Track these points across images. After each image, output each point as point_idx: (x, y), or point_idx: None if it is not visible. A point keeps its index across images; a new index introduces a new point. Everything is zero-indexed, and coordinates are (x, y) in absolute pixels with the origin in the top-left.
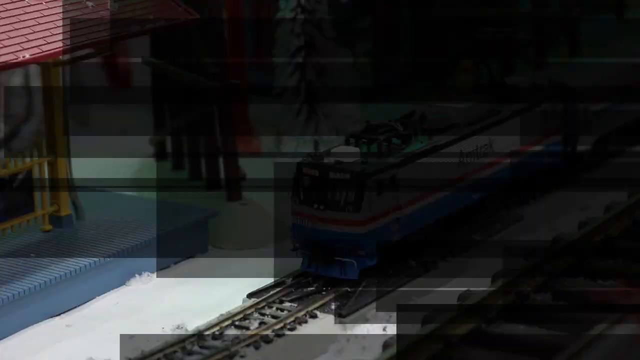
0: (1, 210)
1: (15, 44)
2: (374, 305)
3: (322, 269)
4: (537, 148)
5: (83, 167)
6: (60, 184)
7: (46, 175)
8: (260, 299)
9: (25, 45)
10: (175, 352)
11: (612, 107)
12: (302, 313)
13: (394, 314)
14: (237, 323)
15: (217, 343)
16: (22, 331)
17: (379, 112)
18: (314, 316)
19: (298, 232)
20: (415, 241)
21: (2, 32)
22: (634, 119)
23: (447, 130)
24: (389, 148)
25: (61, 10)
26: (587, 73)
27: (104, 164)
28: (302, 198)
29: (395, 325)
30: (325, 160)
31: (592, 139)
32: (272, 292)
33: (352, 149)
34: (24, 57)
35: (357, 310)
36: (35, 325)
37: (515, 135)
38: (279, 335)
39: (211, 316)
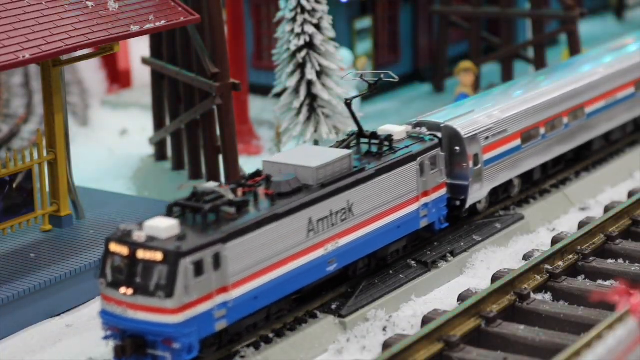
0: (1, 210)
1: (15, 44)
2: (374, 305)
3: None
4: (412, 207)
5: (83, 167)
6: (60, 184)
7: (46, 175)
8: None
9: (25, 45)
10: None
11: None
12: (302, 313)
13: (394, 314)
14: None
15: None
16: (22, 331)
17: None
18: (314, 316)
19: (106, 318)
20: (254, 325)
21: (2, 32)
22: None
23: (295, 194)
24: (217, 219)
25: (61, 10)
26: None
27: (104, 164)
28: (109, 280)
29: (395, 325)
30: (136, 235)
31: (487, 188)
32: None
33: (170, 221)
34: (24, 57)
35: (357, 310)
36: (35, 325)
37: (383, 195)
38: (279, 335)
39: None
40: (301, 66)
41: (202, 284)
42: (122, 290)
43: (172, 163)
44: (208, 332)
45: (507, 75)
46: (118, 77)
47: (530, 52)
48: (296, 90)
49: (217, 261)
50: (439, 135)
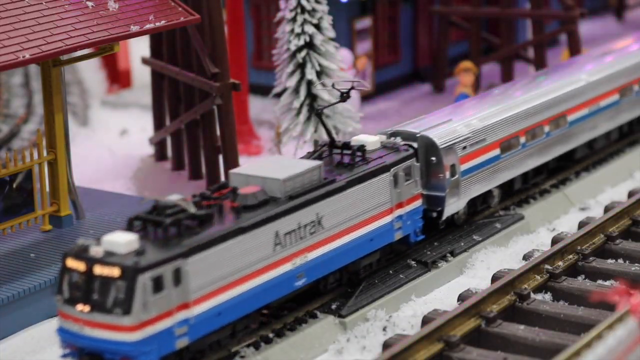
0: (1, 210)
1: (15, 44)
2: (374, 305)
3: None
4: (386, 220)
5: (83, 167)
6: (60, 184)
7: (46, 175)
8: None
9: (25, 45)
10: None
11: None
12: (302, 313)
13: (394, 314)
14: None
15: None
16: (22, 331)
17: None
18: (314, 316)
19: (64, 336)
20: (217, 342)
21: (2, 32)
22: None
23: (261, 207)
24: (179, 233)
25: (61, 10)
26: None
27: (104, 164)
28: (66, 297)
29: (395, 325)
30: (93, 250)
31: (465, 199)
32: None
33: (128, 236)
34: (24, 57)
35: (357, 310)
36: (35, 325)
37: (354, 207)
38: (279, 335)
39: None
40: (301, 66)
41: (162, 300)
42: (79, 307)
43: (172, 163)
44: (168, 350)
45: (507, 75)
46: (118, 77)
47: (530, 52)
48: (296, 90)
49: (177, 277)
50: (415, 145)
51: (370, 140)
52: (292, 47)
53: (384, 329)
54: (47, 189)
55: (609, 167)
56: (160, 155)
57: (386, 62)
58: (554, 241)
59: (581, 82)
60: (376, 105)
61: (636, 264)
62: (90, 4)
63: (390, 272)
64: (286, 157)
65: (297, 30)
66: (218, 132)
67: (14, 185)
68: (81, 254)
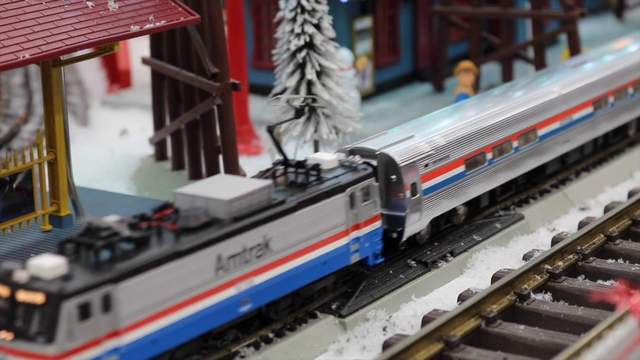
0: (1, 210)
1: (15, 44)
2: (374, 305)
3: None
4: (341, 242)
5: (83, 167)
6: (60, 184)
7: (46, 175)
8: None
9: (25, 45)
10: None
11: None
12: (302, 313)
13: (394, 314)
14: None
15: (217, 343)
16: None
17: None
18: (314, 316)
19: None
20: None
21: (2, 32)
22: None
23: (203, 229)
24: (112, 256)
25: (61, 10)
26: None
27: (104, 164)
28: None
29: (395, 325)
30: (17, 275)
31: (427, 218)
32: None
33: (55, 260)
34: (24, 57)
35: (357, 310)
36: None
37: (306, 229)
38: (279, 335)
39: None
40: (301, 66)
41: (89, 328)
42: (2, 334)
43: (172, 163)
44: None
45: (507, 75)
46: (118, 77)
47: (530, 52)
48: (296, 90)
49: (107, 303)
50: (374, 163)
51: (327, 158)
52: (292, 47)
53: (384, 329)
54: (47, 189)
55: (609, 167)
56: (160, 155)
57: (386, 62)
58: (554, 241)
59: (552, 95)
60: (376, 105)
61: (636, 264)
62: (90, 4)
63: (390, 272)
64: (235, 177)
65: (297, 30)
66: (218, 132)
67: (14, 185)
68: (5, 278)
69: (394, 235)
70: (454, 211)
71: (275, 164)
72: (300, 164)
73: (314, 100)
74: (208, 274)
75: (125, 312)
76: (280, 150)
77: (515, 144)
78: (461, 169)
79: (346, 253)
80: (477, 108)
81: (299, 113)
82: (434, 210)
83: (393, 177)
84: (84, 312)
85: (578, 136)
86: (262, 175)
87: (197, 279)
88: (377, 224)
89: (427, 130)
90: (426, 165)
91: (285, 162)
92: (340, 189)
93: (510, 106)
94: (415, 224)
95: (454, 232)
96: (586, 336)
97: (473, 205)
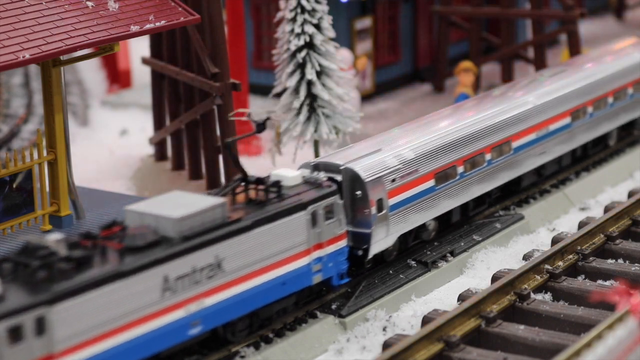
0: (1, 210)
1: (15, 44)
2: (374, 305)
3: None
4: (302, 262)
5: (83, 167)
6: (60, 184)
7: (46, 175)
8: None
9: (25, 45)
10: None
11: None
12: (302, 313)
13: (394, 314)
14: None
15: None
16: None
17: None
18: (314, 316)
19: None
20: None
21: (2, 32)
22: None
23: (149, 248)
24: (50, 277)
25: (61, 10)
26: None
27: (104, 164)
28: None
29: (395, 325)
30: None
31: (394, 235)
32: None
33: None
34: (24, 57)
35: (357, 310)
36: None
37: (263, 249)
38: (279, 335)
39: None
40: (301, 66)
41: (21, 352)
42: None
43: (172, 163)
44: None
45: (507, 76)
46: (118, 77)
47: (530, 52)
48: (296, 90)
49: (40, 326)
50: (339, 178)
51: (290, 175)
52: (292, 47)
53: (384, 329)
54: (47, 189)
55: (609, 167)
56: (160, 155)
57: (386, 62)
58: (554, 241)
59: (528, 105)
60: (376, 105)
61: (636, 264)
62: (90, 4)
63: (390, 272)
64: (191, 195)
65: (297, 30)
66: (218, 132)
67: (14, 185)
68: None
69: (360, 252)
70: (423, 227)
71: (236, 180)
72: (261, 181)
73: (267, 119)
74: (154, 295)
75: (62, 335)
76: (238, 166)
77: (488, 156)
78: (431, 183)
79: (307, 273)
80: (449, 119)
81: (259, 128)
82: (401, 227)
83: (358, 192)
84: (15, 335)
85: (555, 148)
86: (221, 192)
87: (141, 301)
88: (342, 243)
89: (395, 144)
90: (393, 180)
91: (245, 178)
92: (301, 207)
93: (483, 117)
94: (382, 241)
95: (454, 232)
96: (586, 336)
97: (444, 220)
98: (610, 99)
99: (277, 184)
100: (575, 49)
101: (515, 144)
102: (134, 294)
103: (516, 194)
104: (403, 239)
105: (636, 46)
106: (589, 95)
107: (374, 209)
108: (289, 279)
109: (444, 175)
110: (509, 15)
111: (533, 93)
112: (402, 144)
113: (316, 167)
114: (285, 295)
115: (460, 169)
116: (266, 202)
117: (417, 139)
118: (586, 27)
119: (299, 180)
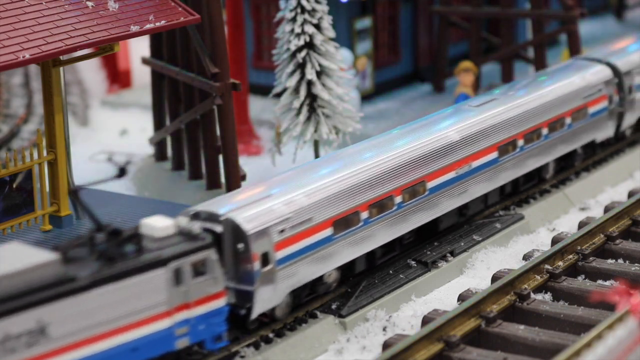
0: (1, 210)
1: (15, 44)
2: (374, 305)
3: None
4: (160, 325)
5: (83, 167)
6: (60, 184)
7: (46, 175)
8: None
9: (25, 45)
10: None
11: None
12: (302, 313)
13: (394, 314)
14: None
15: None
16: None
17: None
18: (314, 316)
19: None
20: None
21: (2, 32)
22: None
23: None
24: None
25: (61, 10)
26: None
27: (104, 164)
28: None
29: (395, 325)
30: None
31: (283, 291)
32: None
33: None
34: (24, 57)
35: (357, 310)
36: None
37: (104, 311)
38: (279, 335)
39: None
40: (301, 66)
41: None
42: None
43: (172, 163)
44: None
45: (507, 75)
46: (118, 77)
47: (531, 52)
48: (296, 90)
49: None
50: (219, 229)
51: (160, 225)
52: (292, 47)
53: (384, 329)
54: (47, 189)
55: (609, 167)
56: (160, 155)
57: (386, 62)
58: (554, 241)
59: (447, 140)
60: (376, 106)
61: (636, 264)
62: (90, 4)
63: (390, 272)
64: (28, 249)
65: (297, 30)
66: (218, 132)
67: (14, 185)
68: None
69: (243, 312)
70: (320, 280)
71: (93, 231)
72: (116, 233)
73: (128, 162)
74: None
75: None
76: (91, 216)
77: (398, 199)
78: (328, 232)
79: (168, 337)
80: (353, 158)
81: (121, 172)
82: (292, 282)
83: (240, 246)
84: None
85: (477, 186)
86: (76, 244)
87: None
88: (218, 303)
89: (289, 187)
90: (282, 231)
91: (101, 229)
92: (159, 263)
93: (392, 155)
94: (268, 299)
95: (454, 232)
96: (586, 336)
97: (347, 270)
98: (545, 130)
99: (135, 236)
100: (575, 49)
101: (430, 184)
102: None
103: (516, 194)
104: (298, 293)
105: (576, 68)
106: (519, 128)
107: (257, 264)
108: (141, 345)
109: (344, 223)
110: (509, 15)
111: (455, 127)
112: (296, 187)
113: (196, 216)
114: None
115: (364, 215)
116: (118, 257)
117: (315, 182)
118: (586, 27)
119: (170, 231)
